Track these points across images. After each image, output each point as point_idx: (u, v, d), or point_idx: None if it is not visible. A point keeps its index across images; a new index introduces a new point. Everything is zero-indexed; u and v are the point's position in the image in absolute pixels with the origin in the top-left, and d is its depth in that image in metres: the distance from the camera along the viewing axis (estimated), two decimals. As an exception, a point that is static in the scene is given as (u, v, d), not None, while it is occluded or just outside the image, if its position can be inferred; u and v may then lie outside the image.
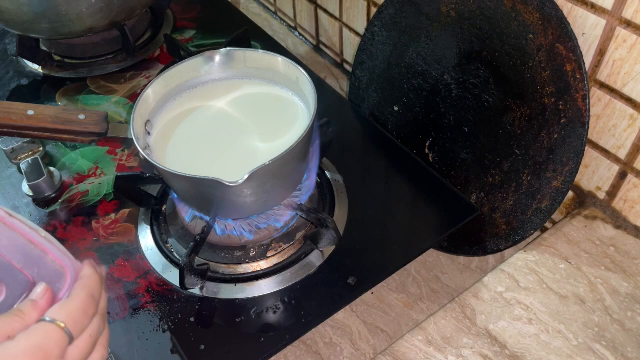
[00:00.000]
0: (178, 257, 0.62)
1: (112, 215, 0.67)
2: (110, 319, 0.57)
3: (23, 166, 0.69)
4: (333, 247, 0.61)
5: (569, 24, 0.54)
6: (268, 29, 1.00)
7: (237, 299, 0.58)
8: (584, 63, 0.54)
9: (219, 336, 0.55)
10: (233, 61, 0.63)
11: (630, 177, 0.58)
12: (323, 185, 0.67)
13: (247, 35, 0.85)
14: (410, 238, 0.63)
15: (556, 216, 0.65)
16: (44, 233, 0.36)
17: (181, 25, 0.95)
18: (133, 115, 0.56)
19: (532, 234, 0.61)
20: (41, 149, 0.73)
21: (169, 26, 0.95)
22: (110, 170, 0.72)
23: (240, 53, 0.63)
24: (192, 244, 0.57)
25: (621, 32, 0.53)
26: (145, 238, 0.64)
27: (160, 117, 0.61)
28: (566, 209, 0.66)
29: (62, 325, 0.34)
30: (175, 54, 0.88)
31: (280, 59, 0.61)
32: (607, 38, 0.54)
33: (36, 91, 0.85)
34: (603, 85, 0.57)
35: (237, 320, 0.56)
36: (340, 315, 0.62)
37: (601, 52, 0.55)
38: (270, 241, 0.61)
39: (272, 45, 0.89)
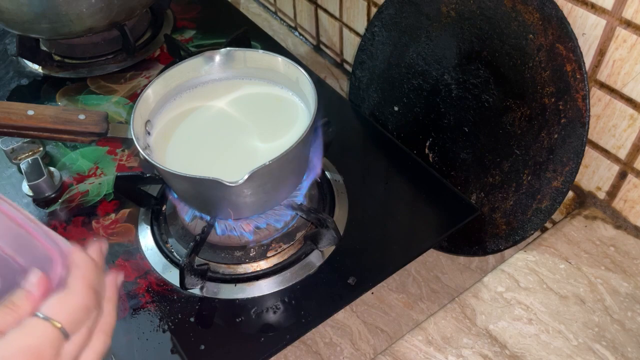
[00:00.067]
0: (178, 257, 0.62)
1: (112, 215, 0.67)
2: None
3: (23, 166, 0.69)
4: (333, 247, 0.61)
5: (569, 24, 0.54)
6: (268, 29, 1.00)
7: (237, 299, 0.58)
8: (584, 63, 0.54)
9: (219, 336, 0.55)
10: (233, 61, 0.63)
11: (630, 177, 0.58)
12: (323, 185, 0.67)
13: (247, 35, 0.85)
14: (410, 238, 0.63)
15: (556, 216, 0.65)
16: (30, 216, 0.34)
17: (181, 25, 0.95)
18: (133, 115, 0.56)
19: (532, 234, 0.61)
20: (41, 149, 0.73)
21: (169, 26, 0.95)
22: (110, 170, 0.72)
23: (240, 53, 0.63)
24: (192, 244, 0.57)
25: (621, 32, 0.53)
26: (145, 238, 0.64)
27: (160, 117, 0.61)
28: (566, 209, 0.66)
29: (59, 325, 0.32)
30: (175, 54, 0.88)
31: (280, 59, 0.61)
32: (607, 38, 0.54)
33: (36, 91, 0.85)
34: (603, 85, 0.57)
35: (237, 320, 0.56)
36: (340, 315, 0.62)
37: (601, 52, 0.55)
38: (270, 241, 0.61)
39: (272, 45, 0.89)
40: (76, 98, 0.83)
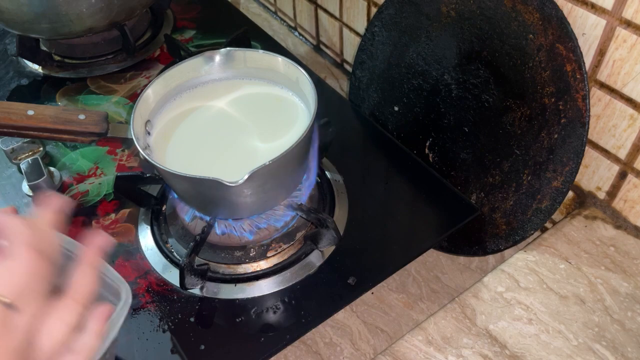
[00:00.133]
0: (178, 257, 0.61)
1: (112, 215, 0.67)
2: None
3: (23, 166, 0.69)
4: (333, 247, 0.61)
5: (569, 24, 0.54)
6: (268, 29, 1.00)
7: (237, 299, 0.58)
8: (584, 63, 0.54)
9: (219, 336, 0.55)
10: (233, 61, 0.63)
11: (630, 177, 0.58)
12: (323, 185, 0.67)
13: (247, 35, 0.85)
14: (410, 238, 0.63)
15: (556, 216, 0.65)
16: None
17: (181, 25, 0.95)
18: (133, 115, 0.56)
19: (532, 234, 0.61)
20: (41, 149, 0.73)
21: (169, 26, 0.95)
22: (110, 170, 0.72)
23: (240, 53, 0.63)
24: (192, 244, 0.57)
25: (621, 32, 0.53)
26: (145, 238, 0.64)
27: (160, 117, 0.61)
28: (566, 209, 0.66)
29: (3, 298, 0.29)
30: (175, 54, 0.88)
31: (280, 59, 0.61)
32: (607, 38, 0.54)
33: (36, 91, 0.85)
34: (603, 85, 0.57)
35: (237, 320, 0.56)
36: (340, 315, 0.62)
37: (601, 52, 0.55)
38: (270, 241, 0.61)
39: (272, 45, 0.89)
40: (76, 98, 0.83)
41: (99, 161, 0.74)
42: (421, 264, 0.68)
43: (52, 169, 0.72)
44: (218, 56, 0.63)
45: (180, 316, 0.57)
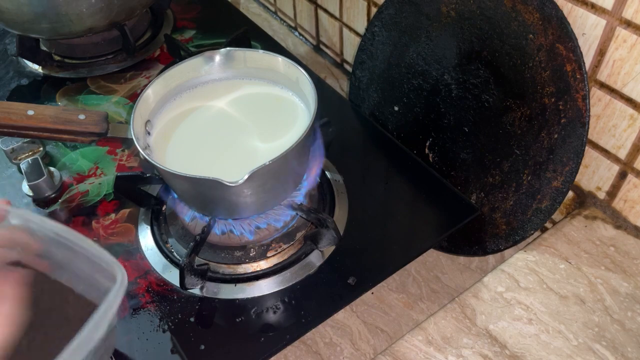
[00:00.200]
0: (178, 257, 0.62)
1: (112, 215, 0.67)
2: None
3: (23, 166, 0.69)
4: (333, 247, 0.61)
5: (569, 24, 0.54)
6: (268, 29, 1.00)
7: (237, 299, 0.58)
8: (584, 63, 0.54)
9: (219, 336, 0.55)
10: (233, 61, 0.63)
11: (630, 177, 0.58)
12: (323, 185, 0.67)
13: (247, 35, 0.85)
14: (410, 238, 0.63)
15: (556, 216, 0.65)
16: None
17: (181, 25, 0.95)
18: (133, 115, 0.56)
19: (532, 234, 0.61)
20: (41, 149, 0.73)
21: (169, 26, 0.95)
22: (110, 170, 0.72)
23: (240, 53, 0.63)
24: (192, 244, 0.57)
25: (621, 32, 0.53)
26: (145, 238, 0.64)
27: (160, 117, 0.61)
28: (566, 209, 0.66)
29: None
30: (175, 54, 0.88)
31: (280, 59, 0.61)
32: (607, 38, 0.54)
33: (36, 91, 0.85)
34: (603, 85, 0.57)
35: (237, 320, 0.56)
36: (340, 315, 0.62)
37: (601, 52, 0.55)
38: (270, 241, 0.61)
39: (272, 45, 0.89)
40: (76, 98, 0.83)
41: (99, 161, 0.74)
42: (421, 264, 0.68)
43: (52, 169, 0.72)
44: (218, 56, 0.63)
45: (180, 316, 0.57)
